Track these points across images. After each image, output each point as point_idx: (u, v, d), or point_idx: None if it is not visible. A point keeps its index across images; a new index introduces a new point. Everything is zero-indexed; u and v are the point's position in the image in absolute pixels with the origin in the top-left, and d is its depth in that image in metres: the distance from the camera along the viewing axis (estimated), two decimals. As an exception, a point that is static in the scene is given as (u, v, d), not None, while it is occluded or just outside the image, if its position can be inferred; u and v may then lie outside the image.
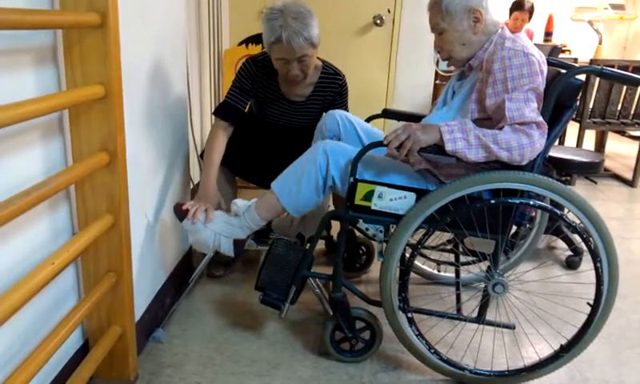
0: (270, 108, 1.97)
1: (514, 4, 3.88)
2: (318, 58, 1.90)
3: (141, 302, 1.61)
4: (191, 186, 2.16)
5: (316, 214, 1.89)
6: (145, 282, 1.64)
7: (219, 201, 1.76)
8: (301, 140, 2.03)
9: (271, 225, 2.06)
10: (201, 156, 2.08)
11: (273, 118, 1.99)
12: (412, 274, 2.16)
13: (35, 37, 1.11)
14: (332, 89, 1.94)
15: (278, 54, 1.73)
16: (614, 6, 5.49)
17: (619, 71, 1.38)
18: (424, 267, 2.18)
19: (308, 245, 1.60)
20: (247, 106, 1.91)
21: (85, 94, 1.14)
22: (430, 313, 1.58)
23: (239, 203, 1.63)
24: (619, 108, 3.55)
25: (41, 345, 1.10)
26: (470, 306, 1.92)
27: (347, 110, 1.95)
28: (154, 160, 1.65)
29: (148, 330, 1.68)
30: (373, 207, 1.47)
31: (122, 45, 1.25)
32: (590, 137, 4.04)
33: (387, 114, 2.00)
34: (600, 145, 4.10)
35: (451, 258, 2.10)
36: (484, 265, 1.53)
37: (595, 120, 3.55)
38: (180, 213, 1.65)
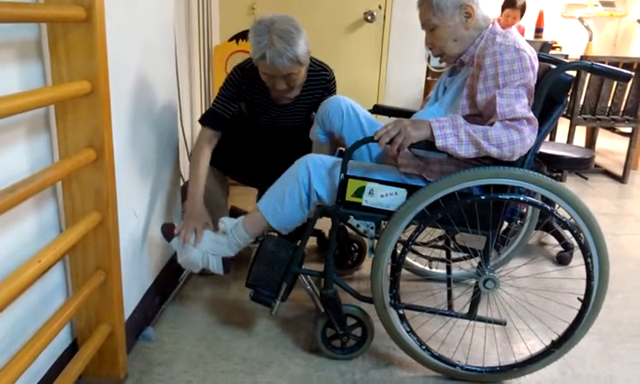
0: (259, 113, 1.95)
1: (506, 1, 3.88)
2: None
3: (130, 301, 1.59)
4: (181, 184, 2.14)
5: None
6: (134, 280, 1.63)
7: (208, 220, 1.74)
8: (290, 140, 2.01)
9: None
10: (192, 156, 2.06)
11: (263, 121, 1.98)
12: (403, 271, 2.16)
13: (19, 30, 1.09)
14: (320, 85, 1.92)
15: (263, 69, 1.73)
16: (604, 3, 5.52)
17: (609, 66, 1.38)
18: (415, 264, 2.18)
19: (299, 241, 1.60)
20: (233, 113, 1.89)
21: (71, 90, 1.12)
22: (421, 309, 1.58)
23: (227, 221, 1.63)
24: (609, 104, 3.56)
25: (28, 343, 1.08)
26: (462, 303, 1.93)
27: None
28: (142, 157, 1.63)
29: (138, 329, 1.66)
30: (364, 203, 1.47)
31: (109, 39, 1.23)
32: (580, 133, 4.06)
33: (378, 109, 1.99)
34: (590, 141, 4.12)
35: (442, 254, 2.10)
36: (475, 261, 1.53)
37: (585, 116, 3.56)
38: (168, 233, 1.65)
